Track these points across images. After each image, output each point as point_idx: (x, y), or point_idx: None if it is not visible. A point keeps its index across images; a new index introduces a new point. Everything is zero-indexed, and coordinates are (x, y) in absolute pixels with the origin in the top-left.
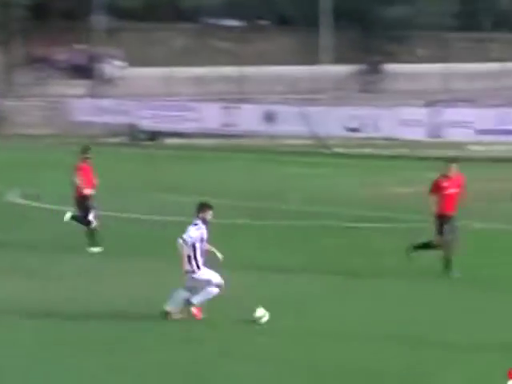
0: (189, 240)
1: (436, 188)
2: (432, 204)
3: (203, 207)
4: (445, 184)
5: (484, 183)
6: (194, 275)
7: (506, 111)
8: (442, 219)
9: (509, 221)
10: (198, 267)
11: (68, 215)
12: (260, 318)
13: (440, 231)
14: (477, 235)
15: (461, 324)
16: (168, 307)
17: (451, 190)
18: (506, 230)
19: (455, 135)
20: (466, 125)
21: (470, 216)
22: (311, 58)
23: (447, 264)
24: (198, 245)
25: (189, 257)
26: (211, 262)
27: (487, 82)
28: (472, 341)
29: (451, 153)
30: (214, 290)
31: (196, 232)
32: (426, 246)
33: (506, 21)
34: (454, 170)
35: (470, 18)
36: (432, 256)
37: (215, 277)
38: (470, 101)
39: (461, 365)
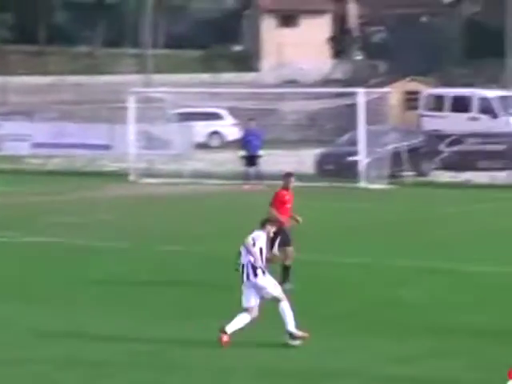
0: None
1: (278, 201)
2: (277, 215)
3: None
4: (286, 197)
5: (40, 197)
6: None
7: (62, 125)
8: (279, 231)
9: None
10: None
11: None
12: None
13: (288, 241)
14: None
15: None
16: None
17: (289, 205)
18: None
19: (12, 149)
20: (23, 138)
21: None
22: None
23: (286, 274)
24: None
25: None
26: None
27: (44, 96)
28: None
29: (9, 166)
30: None
31: None
32: (286, 271)
33: (61, 34)
34: (292, 183)
35: (26, 31)
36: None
37: None
38: (26, 114)
39: None
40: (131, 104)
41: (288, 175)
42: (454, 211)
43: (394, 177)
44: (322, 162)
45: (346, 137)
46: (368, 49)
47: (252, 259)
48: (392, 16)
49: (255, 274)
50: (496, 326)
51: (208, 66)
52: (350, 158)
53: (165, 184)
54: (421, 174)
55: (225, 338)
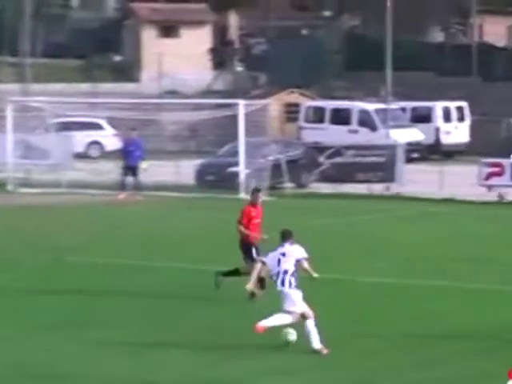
0: None
1: (246, 217)
2: (244, 231)
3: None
4: (253, 213)
5: None
6: None
7: None
8: (252, 246)
9: None
10: None
11: None
12: None
13: (251, 258)
14: None
15: None
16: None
17: (257, 220)
18: None
19: None
20: None
21: None
22: None
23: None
24: None
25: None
26: None
27: None
28: None
29: None
30: None
31: None
32: (235, 272)
33: None
34: (260, 199)
35: None
36: None
37: None
38: None
39: None
40: (9, 113)
41: (256, 191)
42: (333, 222)
43: (273, 188)
44: (202, 172)
45: (226, 148)
46: (249, 60)
47: (286, 270)
48: (273, 28)
49: (283, 284)
50: (369, 337)
51: (87, 75)
52: (231, 169)
53: (42, 194)
54: (300, 185)
55: (261, 329)
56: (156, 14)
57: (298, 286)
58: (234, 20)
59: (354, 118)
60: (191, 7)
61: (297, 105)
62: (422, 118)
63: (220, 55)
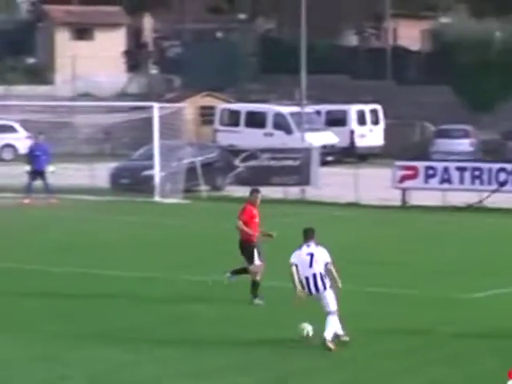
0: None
1: (247, 215)
2: (245, 229)
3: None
4: (254, 212)
5: None
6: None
7: None
8: (253, 245)
9: None
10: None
11: None
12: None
13: (252, 257)
14: None
15: None
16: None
17: (257, 219)
18: None
19: None
20: None
21: None
22: None
23: (256, 289)
24: None
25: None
26: None
27: None
28: None
29: None
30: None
31: None
32: (243, 271)
33: None
34: (259, 199)
35: None
36: None
37: None
38: None
39: None
40: None
41: (254, 191)
42: None
43: (189, 191)
44: (116, 176)
45: (141, 151)
46: (163, 63)
47: (321, 272)
48: (187, 31)
49: (317, 289)
50: (293, 342)
51: (0, 78)
52: (145, 173)
53: None
54: (215, 188)
55: (333, 347)
56: (70, 16)
57: (331, 286)
58: (148, 23)
59: (269, 121)
60: (105, 10)
61: (212, 108)
62: (336, 121)
63: (134, 58)
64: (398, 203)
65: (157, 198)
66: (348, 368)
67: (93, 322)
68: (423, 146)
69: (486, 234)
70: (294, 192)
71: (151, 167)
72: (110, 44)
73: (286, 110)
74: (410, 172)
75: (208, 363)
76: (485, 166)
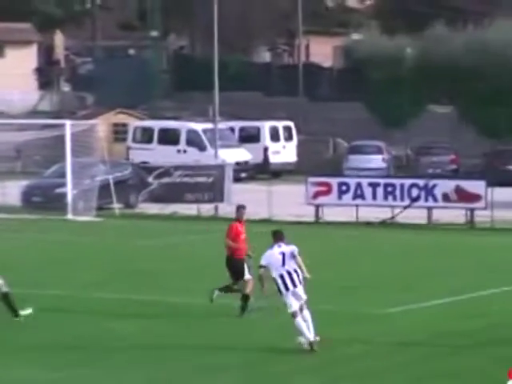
0: None
1: (233, 233)
2: (234, 245)
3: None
4: (240, 229)
5: None
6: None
7: None
8: (242, 261)
9: None
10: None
11: None
12: None
13: (240, 272)
14: None
15: None
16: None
17: (243, 235)
18: None
19: None
20: None
21: None
22: None
23: (245, 302)
24: None
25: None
26: None
27: None
28: None
29: None
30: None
31: None
32: (228, 289)
33: None
34: (244, 214)
35: None
36: None
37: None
38: None
39: None
40: None
41: (241, 207)
42: (160, 243)
43: (101, 209)
44: (28, 193)
45: (53, 168)
46: (75, 80)
47: (294, 269)
48: (99, 48)
49: (294, 284)
50: (207, 356)
51: None
52: (58, 190)
53: None
54: (129, 205)
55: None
56: None
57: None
58: (59, 40)
59: (183, 137)
60: (16, 26)
61: (124, 125)
62: (250, 137)
63: (46, 75)
64: (312, 219)
65: (69, 216)
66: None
67: (7, 341)
68: (336, 162)
69: (399, 249)
70: (207, 209)
71: (64, 185)
72: (21, 61)
73: (199, 126)
74: (323, 188)
75: (127, 380)
76: (397, 181)
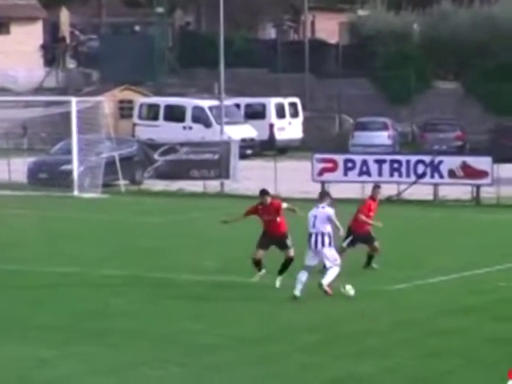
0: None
1: (367, 209)
2: (366, 222)
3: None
4: (372, 207)
5: None
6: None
7: None
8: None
9: None
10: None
11: None
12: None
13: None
14: None
15: None
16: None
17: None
18: None
19: None
20: None
21: None
22: None
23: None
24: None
25: (323, 234)
26: None
27: None
28: None
29: None
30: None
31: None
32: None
33: None
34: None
35: None
36: None
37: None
38: None
39: None
40: None
41: (376, 187)
42: (166, 220)
43: (107, 186)
44: (34, 170)
45: (59, 145)
46: (81, 57)
47: (322, 232)
48: (105, 25)
49: (323, 244)
50: (206, 335)
51: None
52: (64, 167)
53: None
54: (134, 182)
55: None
56: None
57: (331, 244)
58: (65, 16)
59: (188, 114)
60: (21, 3)
61: (130, 102)
62: (255, 114)
63: (52, 52)
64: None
65: (75, 193)
66: (263, 362)
67: (10, 319)
68: (342, 139)
69: (405, 226)
70: (213, 185)
71: (69, 162)
72: (27, 38)
73: (204, 103)
74: (329, 165)
75: (124, 359)
76: (403, 158)
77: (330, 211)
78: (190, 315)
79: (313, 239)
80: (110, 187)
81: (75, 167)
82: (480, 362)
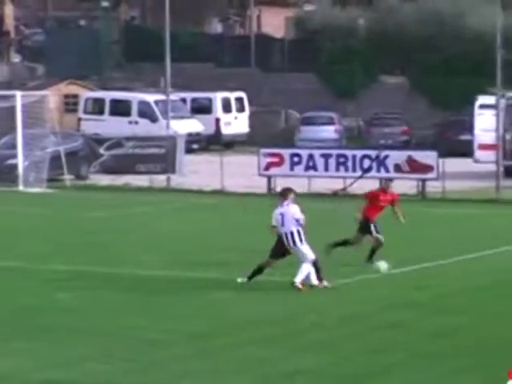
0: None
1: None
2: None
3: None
4: (381, 197)
5: None
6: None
7: None
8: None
9: None
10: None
11: None
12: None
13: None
14: None
15: None
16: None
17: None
18: None
19: None
20: None
21: None
22: None
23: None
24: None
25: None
26: None
27: None
28: None
29: None
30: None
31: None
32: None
33: None
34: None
35: None
36: None
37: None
38: None
39: None
40: None
41: (388, 180)
42: (112, 214)
43: (52, 180)
44: None
45: (3, 140)
46: (26, 51)
47: (291, 231)
48: (50, 19)
49: (294, 242)
50: (152, 330)
51: None
52: (9, 162)
53: None
54: (80, 177)
55: (303, 287)
56: None
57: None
58: (9, 10)
59: (134, 109)
60: None
61: (76, 96)
62: (202, 108)
63: None
64: (264, 190)
65: (20, 188)
66: (210, 357)
67: None
68: (288, 134)
69: (351, 220)
70: (159, 180)
71: (14, 156)
72: None
73: (150, 97)
74: (275, 159)
75: (70, 354)
76: (349, 152)
77: (296, 209)
78: (137, 310)
79: (285, 238)
80: (55, 182)
81: (20, 162)
82: (424, 356)
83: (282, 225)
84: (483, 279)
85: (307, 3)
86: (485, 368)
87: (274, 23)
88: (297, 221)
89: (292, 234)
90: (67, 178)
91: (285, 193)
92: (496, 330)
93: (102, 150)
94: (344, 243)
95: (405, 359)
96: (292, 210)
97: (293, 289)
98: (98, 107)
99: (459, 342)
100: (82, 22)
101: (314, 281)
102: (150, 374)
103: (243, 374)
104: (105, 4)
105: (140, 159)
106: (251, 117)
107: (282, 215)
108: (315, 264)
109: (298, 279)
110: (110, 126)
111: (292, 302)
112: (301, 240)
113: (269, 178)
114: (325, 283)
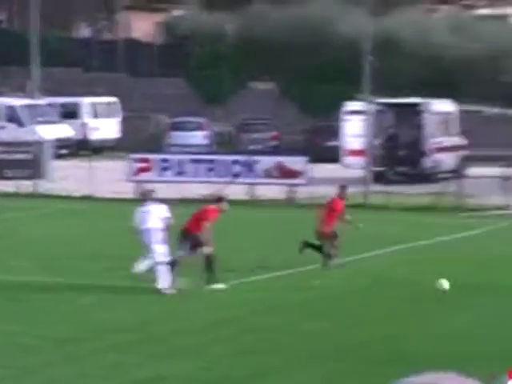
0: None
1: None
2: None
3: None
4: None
5: None
6: None
7: None
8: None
9: None
10: None
11: None
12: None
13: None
14: None
15: None
16: None
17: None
18: None
19: None
20: None
21: None
22: None
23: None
24: None
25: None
26: None
27: None
28: None
29: None
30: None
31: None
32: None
33: None
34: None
35: None
36: None
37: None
38: None
39: None
40: None
41: (343, 187)
42: None
43: None
44: None
45: None
46: None
47: (160, 226)
48: None
49: (154, 241)
50: (24, 335)
51: None
52: None
53: None
54: None
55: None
56: None
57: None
58: None
59: (1, 113)
60: None
61: None
62: (69, 113)
63: None
64: (133, 196)
65: None
66: (77, 362)
67: None
68: (158, 139)
69: (219, 225)
70: (26, 185)
71: None
72: None
73: (17, 102)
74: (144, 165)
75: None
76: (219, 158)
77: (162, 209)
78: (6, 316)
79: (145, 236)
80: None
81: None
82: (294, 359)
83: (144, 222)
84: (360, 282)
85: (176, 8)
86: (356, 373)
87: (143, 28)
88: (162, 220)
89: (151, 231)
90: None
91: (145, 193)
92: (360, 336)
93: None
94: (318, 249)
95: (274, 362)
96: (157, 210)
97: (162, 295)
98: None
99: (329, 345)
100: None
101: (162, 284)
102: (24, 380)
103: (110, 380)
104: None
105: (7, 164)
106: (121, 122)
107: (145, 213)
108: (172, 265)
109: (163, 284)
110: None
111: (156, 308)
112: (162, 240)
113: (138, 183)
114: (172, 290)
